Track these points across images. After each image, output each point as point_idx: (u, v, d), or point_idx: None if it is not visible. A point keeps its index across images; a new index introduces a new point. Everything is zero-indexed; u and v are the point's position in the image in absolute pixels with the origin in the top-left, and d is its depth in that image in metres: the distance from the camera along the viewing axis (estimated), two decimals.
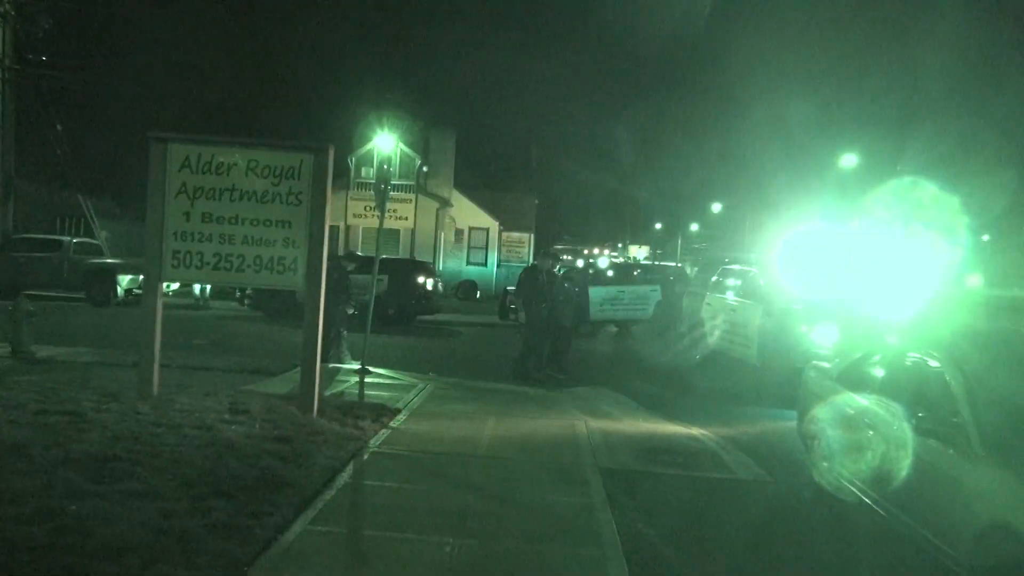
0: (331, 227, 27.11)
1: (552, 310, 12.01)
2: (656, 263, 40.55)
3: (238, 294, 19.84)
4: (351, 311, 12.00)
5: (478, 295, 29.66)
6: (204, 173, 7.52)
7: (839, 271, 13.38)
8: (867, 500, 5.75)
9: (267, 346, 13.54)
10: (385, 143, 25.77)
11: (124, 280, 19.02)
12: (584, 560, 4.73)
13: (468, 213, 33.63)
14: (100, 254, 20.56)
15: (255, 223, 7.56)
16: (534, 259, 27.19)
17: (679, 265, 34.80)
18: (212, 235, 7.52)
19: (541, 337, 12.02)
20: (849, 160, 36.47)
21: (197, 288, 20.08)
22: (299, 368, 10.11)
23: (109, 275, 19.07)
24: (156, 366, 7.73)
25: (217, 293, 20.99)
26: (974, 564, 4.29)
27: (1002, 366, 5.29)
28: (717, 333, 14.48)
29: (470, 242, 33.58)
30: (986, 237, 43.02)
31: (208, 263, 7.55)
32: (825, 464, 6.64)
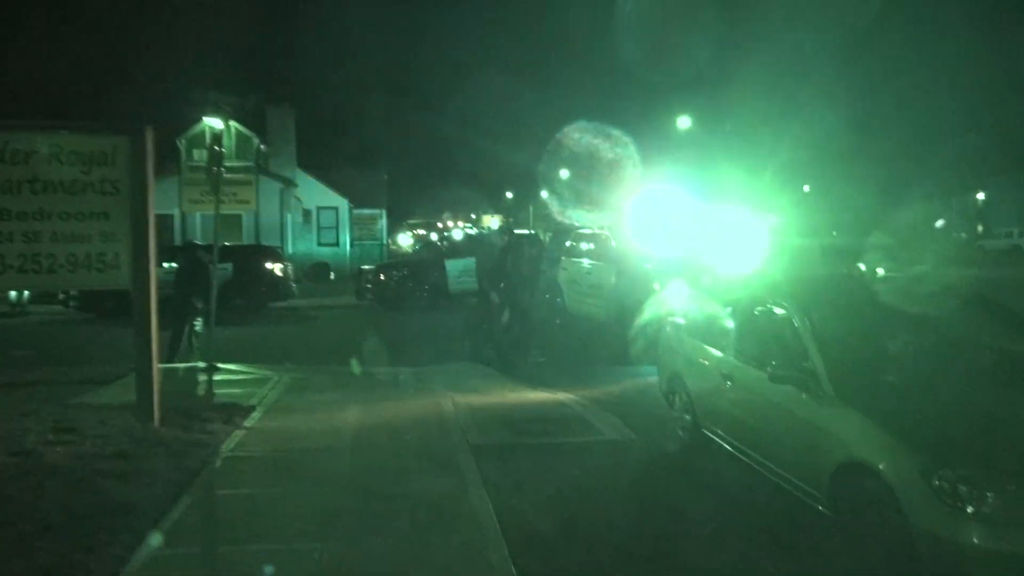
0: (167, 215, 25.25)
1: (520, 289, 11.38)
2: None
3: (61, 296, 18.00)
4: (200, 304, 11.15)
5: (332, 276, 28.68)
6: None
7: (682, 230, 13.93)
8: (731, 449, 5.93)
9: (99, 351, 12.33)
10: (217, 122, 24.11)
11: None
12: (463, 547, 4.54)
13: (315, 192, 32.33)
14: None
15: (65, 217, 6.72)
16: (475, 235, 26.20)
17: (533, 232, 35.25)
18: (13, 234, 6.61)
19: (520, 318, 11.35)
20: (684, 122, 38.16)
21: (13, 293, 18.02)
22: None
23: None
24: None
25: (37, 296, 18.94)
26: (834, 501, 4.47)
27: (842, 310, 5.56)
28: (574, 296, 14.71)
29: (319, 222, 32.35)
30: (807, 188, 46.76)
31: (11, 266, 6.64)
32: (688, 417, 6.80)
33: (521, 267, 11.49)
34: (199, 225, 26.94)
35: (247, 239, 26.41)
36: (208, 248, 14.03)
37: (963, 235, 47.71)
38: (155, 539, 4.53)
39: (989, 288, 8.09)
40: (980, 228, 48.12)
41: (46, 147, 6.64)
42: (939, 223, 50.67)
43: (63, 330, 15.72)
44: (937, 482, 3.78)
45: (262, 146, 28.84)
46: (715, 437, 6.25)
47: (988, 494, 3.66)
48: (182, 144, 27.41)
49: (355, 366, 10.37)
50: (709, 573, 4.45)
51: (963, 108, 41.37)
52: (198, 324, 11.29)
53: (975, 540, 3.59)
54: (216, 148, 10.45)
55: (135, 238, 6.78)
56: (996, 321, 5.59)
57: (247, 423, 7.32)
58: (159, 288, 7.07)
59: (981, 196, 51.11)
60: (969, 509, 3.66)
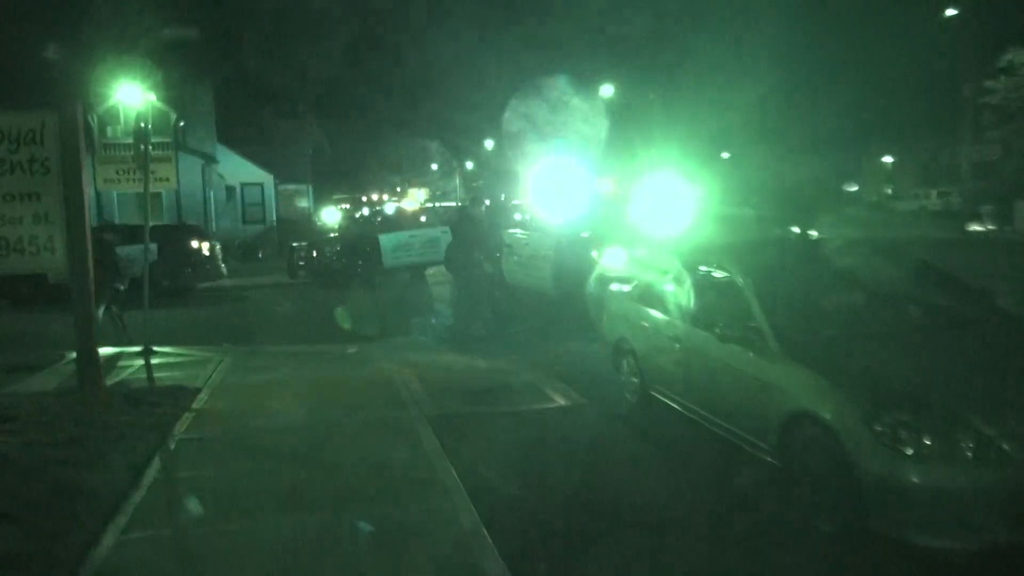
0: None
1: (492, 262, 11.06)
2: (438, 205, 40.71)
3: None
4: (122, 287, 10.79)
5: (260, 255, 28.04)
6: None
7: (616, 197, 14.20)
8: (679, 408, 6.18)
9: (21, 337, 11.83)
10: (133, 98, 23.09)
11: None
12: (433, 513, 4.64)
13: (238, 168, 31.38)
14: None
15: None
16: (461, 205, 25.50)
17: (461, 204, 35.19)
18: None
19: (484, 293, 11.02)
20: (607, 90, 38.54)
21: None
22: (68, 359, 9.00)
23: None
24: None
25: None
26: (782, 451, 4.76)
27: (783, 271, 5.85)
28: (513, 268, 14.82)
29: (244, 199, 31.45)
30: (726, 155, 48.14)
31: None
32: (635, 380, 7.03)
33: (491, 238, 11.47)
34: (116, 205, 25.87)
35: (168, 218, 25.54)
36: (119, 230, 13.59)
37: (874, 198, 50.02)
38: (120, 522, 4.48)
39: (905, 247, 8.60)
40: (889, 190, 50.53)
41: None
42: (851, 187, 52.94)
43: None
44: (879, 427, 4.08)
45: (180, 122, 27.82)
46: (663, 398, 6.49)
47: (925, 436, 3.97)
48: (94, 120, 26.20)
49: (294, 345, 10.19)
50: (667, 523, 4.67)
51: (871, 76, 43.16)
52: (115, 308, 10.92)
53: (914, 479, 3.90)
54: (143, 125, 10.05)
55: (69, 219, 6.54)
56: (918, 275, 6.00)
57: (195, 405, 7.20)
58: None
59: (889, 160, 53.55)
60: (908, 451, 3.96)
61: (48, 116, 6.48)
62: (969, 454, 3.90)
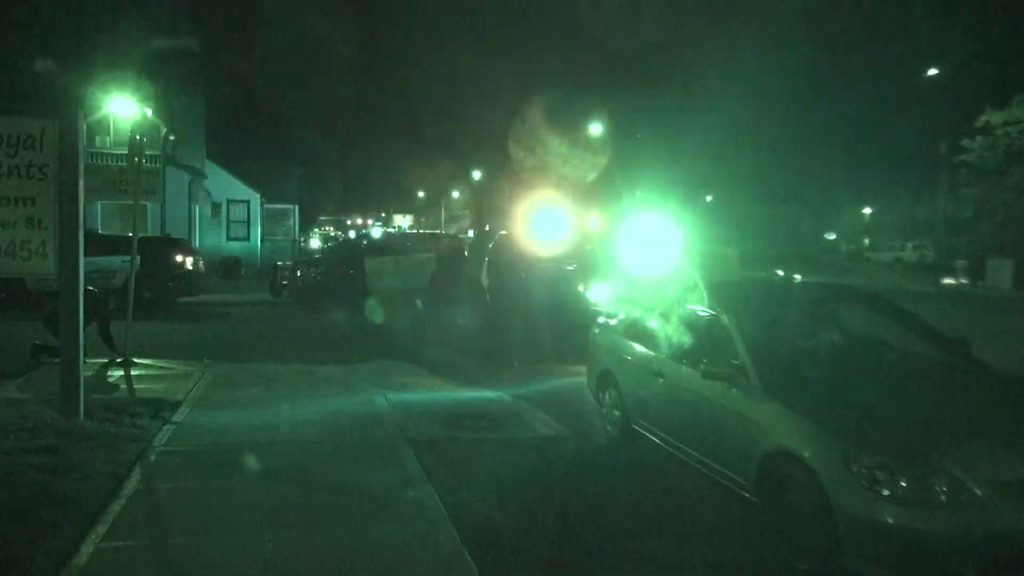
0: None
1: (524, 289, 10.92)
2: (420, 231, 40.80)
3: None
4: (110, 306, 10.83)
5: (242, 272, 27.92)
6: None
7: (604, 234, 14.39)
8: (659, 442, 6.27)
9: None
10: (124, 109, 23.10)
11: None
12: (414, 535, 4.67)
13: (225, 185, 31.35)
14: None
15: None
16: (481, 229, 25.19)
17: (443, 232, 35.38)
18: None
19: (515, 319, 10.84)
20: (596, 128, 39.13)
21: None
22: (46, 366, 8.95)
23: None
24: None
25: None
26: (760, 487, 4.85)
27: (767, 311, 5.99)
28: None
29: (229, 216, 31.37)
30: (709, 198, 48.87)
31: None
32: (617, 412, 7.12)
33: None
34: (99, 214, 25.72)
35: (152, 230, 25.40)
36: (101, 240, 13.53)
37: (851, 247, 50.91)
38: (99, 531, 4.46)
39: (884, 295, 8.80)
40: (867, 241, 51.45)
41: None
42: (830, 235, 53.86)
43: None
44: (856, 468, 4.18)
45: (170, 135, 27.83)
46: (644, 431, 6.58)
47: (901, 479, 4.08)
48: (83, 130, 26.18)
49: (275, 363, 10.13)
50: (645, 554, 4.73)
51: (854, 130, 44.26)
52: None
53: (889, 520, 3.99)
54: (138, 138, 10.12)
55: (63, 226, 6.55)
56: (897, 322, 6.17)
57: (177, 418, 7.18)
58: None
59: (868, 211, 54.62)
60: (885, 492, 4.06)
61: (48, 123, 6.52)
62: (943, 497, 4.01)
